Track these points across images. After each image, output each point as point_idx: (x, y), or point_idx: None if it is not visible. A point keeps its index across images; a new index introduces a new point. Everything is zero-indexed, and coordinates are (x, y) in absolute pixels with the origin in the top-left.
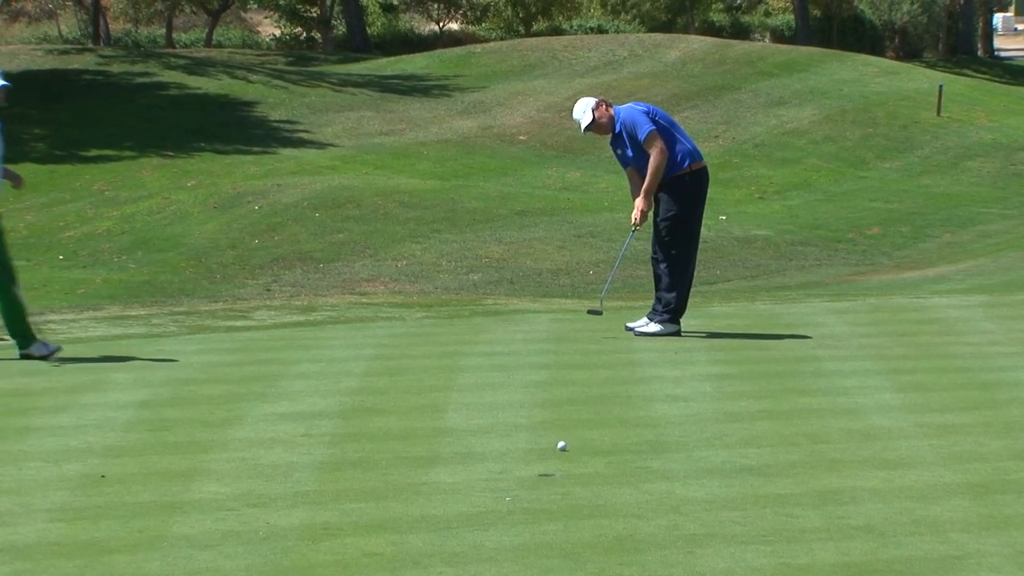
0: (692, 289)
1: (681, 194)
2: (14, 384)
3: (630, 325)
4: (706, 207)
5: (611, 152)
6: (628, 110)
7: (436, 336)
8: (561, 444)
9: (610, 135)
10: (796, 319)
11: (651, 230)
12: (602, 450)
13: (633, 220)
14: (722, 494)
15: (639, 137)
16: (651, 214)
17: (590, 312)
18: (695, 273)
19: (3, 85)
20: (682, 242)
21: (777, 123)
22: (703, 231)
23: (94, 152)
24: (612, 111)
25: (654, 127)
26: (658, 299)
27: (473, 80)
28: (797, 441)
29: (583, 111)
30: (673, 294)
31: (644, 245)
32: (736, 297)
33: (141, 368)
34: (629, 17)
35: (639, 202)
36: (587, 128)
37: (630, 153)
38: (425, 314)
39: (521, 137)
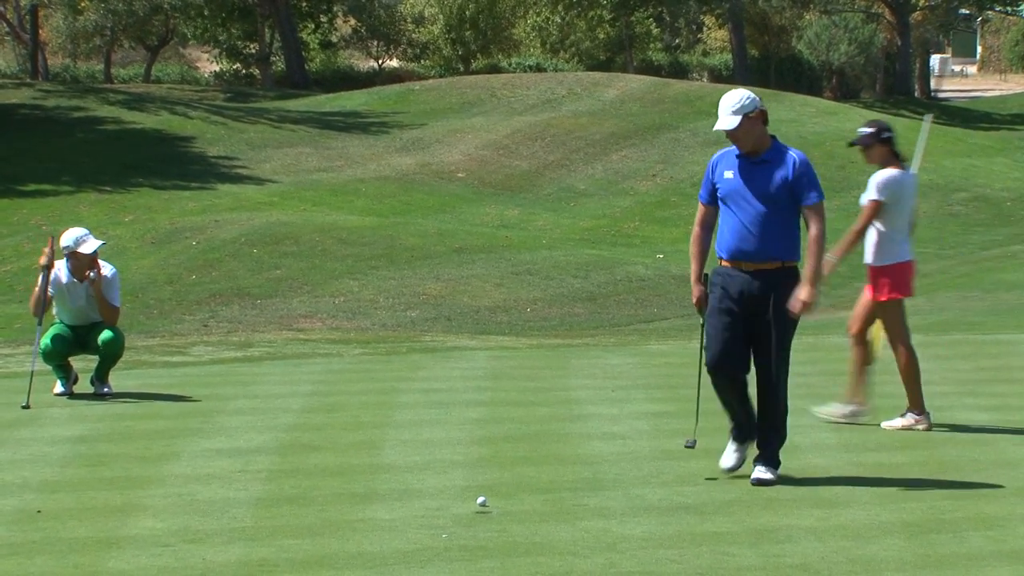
0: (632, 328)
1: (794, 285)
2: None
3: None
4: (644, 245)
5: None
6: (801, 155)
7: (373, 373)
8: (481, 499)
9: (745, 149)
10: None
11: (722, 334)
12: (539, 487)
13: (797, 312)
14: (658, 532)
15: (810, 196)
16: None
17: (687, 446)
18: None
19: None
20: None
21: None
22: (641, 271)
23: (31, 187)
24: (766, 129)
25: None
26: (764, 430)
27: (412, 117)
28: (733, 479)
29: (745, 100)
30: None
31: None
32: (673, 335)
33: (77, 403)
34: (568, 55)
35: (805, 291)
36: (731, 129)
37: (768, 189)
38: (363, 351)
39: (459, 174)
